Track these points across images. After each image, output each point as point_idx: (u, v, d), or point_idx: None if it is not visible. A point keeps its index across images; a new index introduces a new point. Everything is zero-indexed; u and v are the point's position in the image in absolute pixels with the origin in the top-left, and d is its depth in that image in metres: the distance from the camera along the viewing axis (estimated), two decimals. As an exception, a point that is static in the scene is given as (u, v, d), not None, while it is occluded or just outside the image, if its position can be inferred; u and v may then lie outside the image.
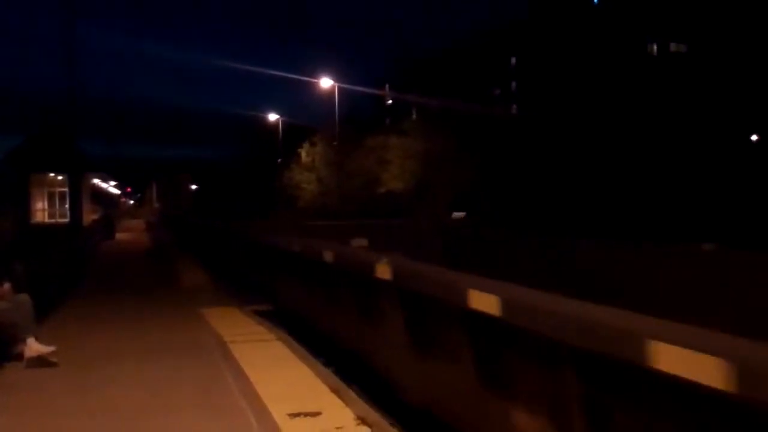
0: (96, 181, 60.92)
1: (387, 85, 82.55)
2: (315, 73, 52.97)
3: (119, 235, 44.64)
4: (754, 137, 47.76)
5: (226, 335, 10.76)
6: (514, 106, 65.22)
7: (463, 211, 44.69)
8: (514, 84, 67.39)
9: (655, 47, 55.66)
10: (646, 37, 54.82)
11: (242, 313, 13.49)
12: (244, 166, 77.77)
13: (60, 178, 48.58)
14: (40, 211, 48.87)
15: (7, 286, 9.06)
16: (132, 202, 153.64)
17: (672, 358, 3.45)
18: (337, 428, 6.28)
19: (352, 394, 7.57)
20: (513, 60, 67.61)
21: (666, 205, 36.06)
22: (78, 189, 45.77)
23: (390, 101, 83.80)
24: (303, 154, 59.34)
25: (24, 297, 9.01)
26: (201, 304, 14.30)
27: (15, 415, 6.92)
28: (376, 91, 76.27)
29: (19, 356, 8.83)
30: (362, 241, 13.66)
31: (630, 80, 49.61)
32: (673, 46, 55.34)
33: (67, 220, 46.15)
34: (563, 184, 44.03)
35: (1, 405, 7.23)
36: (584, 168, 44.08)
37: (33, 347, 8.70)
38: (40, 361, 8.67)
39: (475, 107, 54.50)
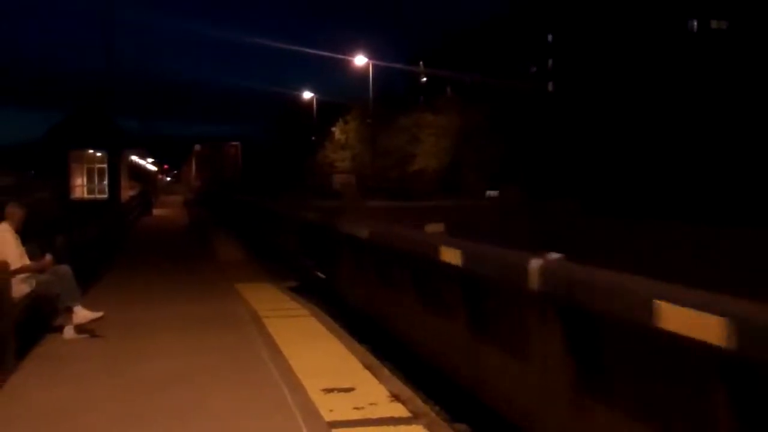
0: (133, 157, 61.40)
1: (421, 63, 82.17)
2: (349, 50, 52.86)
3: (157, 211, 45.05)
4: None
5: (261, 310, 10.88)
6: (551, 84, 64.55)
7: (495, 190, 44.49)
8: (550, 61, 66.67)
9: (695, 24, 54.73)
10: (687, 13, 53.91)
11: (277, 288, 13.62)
12: (278, 143, 77.89)
13: (99, 154, 49.00)
14: (79, 187, 49.35)
15: (48, 258, 9.24)
16: (169, 179, 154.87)
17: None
18: (371, 404, 6.33)
19: (385, 371, 7.62)
20: (550, 37, 66.85)
21: (702, 183, 35.63)
22: (116, 165, 46.33)
23: (424, 79, 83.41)
24: (337, 132, 59.35)
25: (65, 268, 9.18)
26: (237, 279, 14.45)
27: (56, 385, 7.07)
28: (410, 68, 75.95)
29: (60, 328, 9.02)
30: (438, 227, 12.40)
31: (670, 57, 48.88)
32: (713, 23, 54.40)
33: (105, 196, 46.75)
34: (598, 162, 43.62)
35: (43, 376, 7.40)
36: (620, 146, 43.61)
37: (81, 314, 8.90)
38: (89, 328, 8.90)
39: (510, 84, 54.07)
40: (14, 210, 8.99)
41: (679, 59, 48.76)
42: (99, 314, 9.00)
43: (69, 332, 8.93)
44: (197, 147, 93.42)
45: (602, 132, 45.81)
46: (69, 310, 8.95)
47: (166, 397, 6.63)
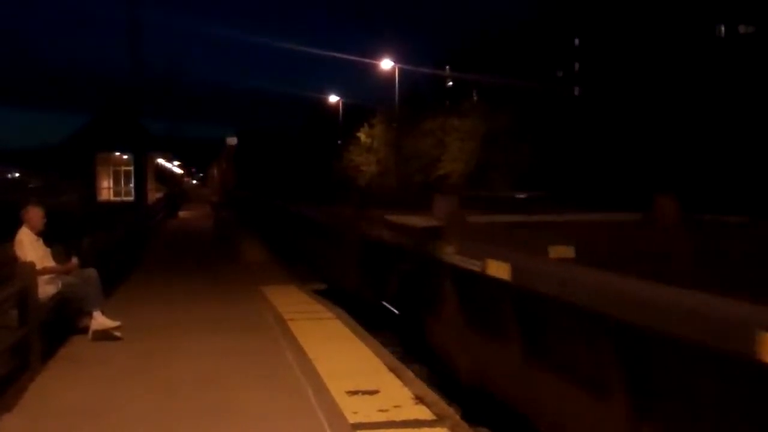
0: (160, 160, 61.74)
1: (448, 67, 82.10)
2: (376, 54, 52.88)
3: (182, 214, 45.30)
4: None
5: (286, 312, 10.87)
6: (577, 88, 64.27)
7: (523, 193, 44.21)
8: (577, 65, 66.39)
9: (723, 29, 54.22)
10: (714, 18, 53.44)
11: (301, 291, 13.61)
12: (304, 146, 77.84)
13: (125, 156, 49.34)
14: (106, 189, 49.77)
15: (74, 260, 9.29)
16: (195, 181, 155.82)
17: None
18: (395, 406, 6.31)
19: (410, 374, 7.59)
20: (576, 41, 66.59)
21: (730, 188, 35.23)
22: (142, 168, 46.55)
23: (450, 83, 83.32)
24: (362, 135, 59.40)
25: (91, 271, 9.22)
26: (261, 281, 14.47)
27: (82, 386, 7.09)
28: (436, 71, 75.95)
29: (85, 329, 9.06)
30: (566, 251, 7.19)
31: (697, 62, 48.47)
32: (741, 28, 53.84)
33: (131, 198, 47.07)
34: (625, 166, 43.34)
35: (69, 377, 7.43)
36: (647, 150, 43.30)
37: (99, 321, 8.91)
38: (105, 335, 8.88)
39: (536, 87, 53.89)
40: (32, 211, 8.98)
41: (706, 64, 48.32)
42: (116, 323, 9.02)
43: (89, 336, 8.96)
44: (231, 141, 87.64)
45: (628, 136, 45.50)
46: (89, 315, 8.99)
47: (192, 398, 6.63)
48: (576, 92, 63.73)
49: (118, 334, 8.97)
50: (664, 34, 50.91)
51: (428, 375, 8.88)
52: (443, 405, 6.54)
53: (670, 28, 51.05)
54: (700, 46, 50.14)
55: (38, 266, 8.23)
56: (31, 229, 8.86)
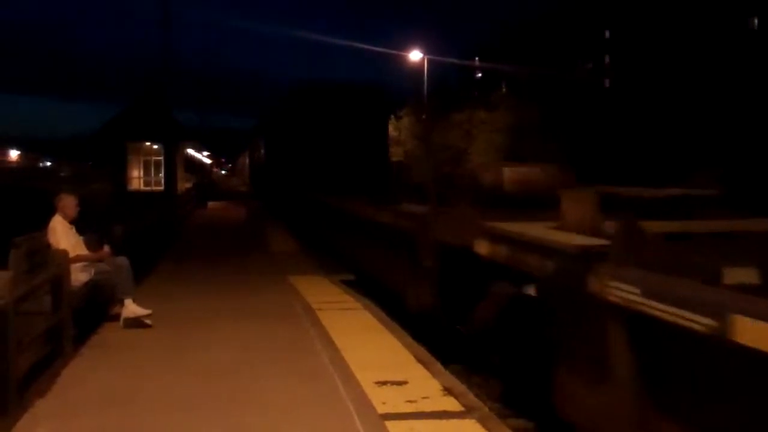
0: (189, 150, 62.00)
1: (477, 58, 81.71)
2: (402, 44, 52.76)
3: (212, 204, 45.46)
4: None
5: (314, 302, 10.91)
6: (607, 81, 63.70)
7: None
8: (607, 57, 65.78)
9: (756, 21, 53.48)
10: (747, 11, 52.70)
11: (330, 281, 13.64)
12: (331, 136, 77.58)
13: (156, 146, 49.64)
14: (136, 178, 50.12)
15: (106, 248, 9.38)
16: (224, 172, 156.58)
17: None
18: (424, 398, 6.31)
19: (438, 366, 7.58)
20: (607, 33, 65.98)
21: (761, 184, 34.76)
22: (173, 158, 46.85)
23: (480, 74, 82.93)
24: (390, 128, 59.31)
25: (122, 259, 9.31)
26: (290, 271, 14.52)
27: (113, 372, 7.18)
28: (465, 63, 75.56)
29: (117, 317, 9.16)
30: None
31: (730, 55, 47.86)
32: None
33: (161, 188, 47.37)
34: (656, 161, 42.95)
35: (100, 363, 7.52)
36: (679, 145, 42.86)
37: (130, 308, 9.01)
38: (136, 322, 8.98)
39: (565, 79, 53.49)
40: (66, 199, 9.06)
41: (740, 56, 47.71)
42: (147, 311, 9.11)
43: (120, 323, 9.05)
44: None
45: (658, 129, 45.09)
46: (121, 303, 9.09)
47: (221, 385, 6.69)
48: (606, 84, 63.14)
49: (148, 321, 9.07)
50: (697, 27, 50.31)
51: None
52: (471, 397, 6.54)
53: (702, 20, 50.44)
54: (733, 38, 49.49)
55: (71, 254, 8.33)
56: (65, 216, 8.96)
